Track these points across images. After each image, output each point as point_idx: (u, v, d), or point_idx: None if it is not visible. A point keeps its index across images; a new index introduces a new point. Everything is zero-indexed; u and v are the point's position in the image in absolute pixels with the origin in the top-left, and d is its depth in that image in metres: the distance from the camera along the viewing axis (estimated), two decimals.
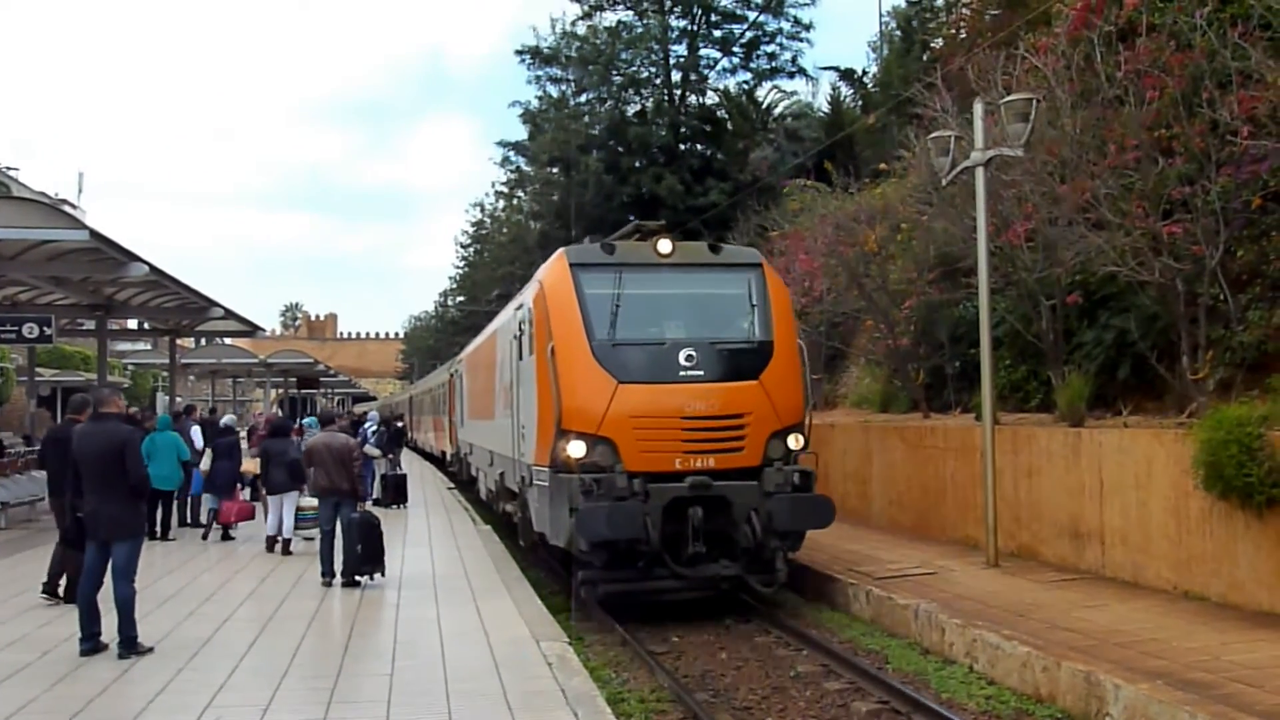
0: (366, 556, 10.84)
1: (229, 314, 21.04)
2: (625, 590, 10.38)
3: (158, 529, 14.46)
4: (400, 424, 26.62)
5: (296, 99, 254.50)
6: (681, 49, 34.46)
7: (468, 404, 20.98)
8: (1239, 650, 7.58)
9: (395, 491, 19.45)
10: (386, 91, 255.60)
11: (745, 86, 35.60)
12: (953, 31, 23.14)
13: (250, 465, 15.06)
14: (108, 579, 7.98)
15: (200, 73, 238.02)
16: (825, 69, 40.03)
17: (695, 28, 34.34)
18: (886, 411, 17.49)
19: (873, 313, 16.88)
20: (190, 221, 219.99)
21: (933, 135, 12.74)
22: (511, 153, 40.58)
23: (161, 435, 14.12)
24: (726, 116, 35.00)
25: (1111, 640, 7.98)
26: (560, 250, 11.68)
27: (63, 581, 9.93)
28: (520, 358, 12.25)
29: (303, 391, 46.18)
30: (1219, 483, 8.79)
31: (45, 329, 17.38)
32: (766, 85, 35.87)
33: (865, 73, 33.07)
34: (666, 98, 34.50)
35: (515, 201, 49.26)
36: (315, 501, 11.91)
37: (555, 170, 35.87)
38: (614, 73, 33.71)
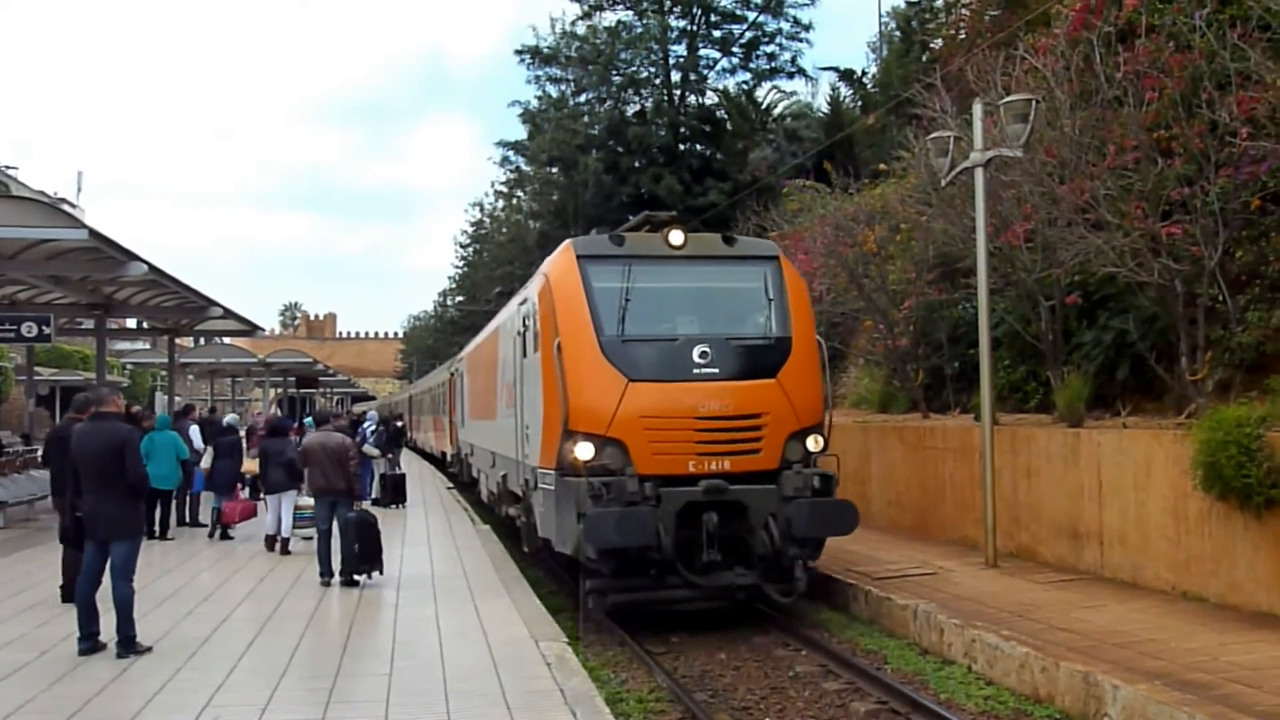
0: (364, 555, 10.83)
1: (228, 313, 21.03)
2: (635, 600, 9.90)
3: (156, 528, 14.46)
4: (400, 424, 26.55)
5: (296, 99, 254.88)
6: (681, 49, 34.48)
7: (469, 403, 20.65)
8: (1237, 651, 7.58)
9: (394, 491, 19.45)
10: (386, 91, 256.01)
11: (745, 87, 35.64)
12: (952, 32, 23.16)
13: (251, 465, 15.07)
14: (106, 578, 7.98)
15: (200, 73, 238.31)
16: (825, 69, 40.14)
17: (695, 28, 34.35)
18: (885, 412, 17.50)
19: (872, 313, 16.87)
20: (190, 221, 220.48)
21: (932, 136, 12.75)
22: (511, 152, 40.63)
23: (160, 435, 14.12)
24: (726, 117, 35.01)
25: (1110, 641, 7.98)
26: (567, 241, 11.09)
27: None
28: (524, 355, 11.78)
29: (302, 391, 46.11)
30: (1218, 483, 8.80)
31: (44, 328, 17.36)
32: (766, 85, 35.93)
33: (865, 73, 33.14)
34: (666, 98, 34.50)
35: (515, 201, 49.30)
36: (313, 501, 11.91)
37: (555, 170, 35.89)
38: (613, 73, 33.72)
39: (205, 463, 15.18)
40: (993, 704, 7.72)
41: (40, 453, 21.71)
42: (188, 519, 16.10)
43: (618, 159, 32.86)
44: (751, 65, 34.99)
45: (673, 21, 34.14)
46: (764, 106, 36.35)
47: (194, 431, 16.25)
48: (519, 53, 35.77)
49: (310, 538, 12.44)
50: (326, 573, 11.09)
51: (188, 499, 16.13)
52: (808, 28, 34.16)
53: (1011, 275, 13.11)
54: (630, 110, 34.41)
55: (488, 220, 58.45)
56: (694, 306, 10.62)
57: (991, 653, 8.28)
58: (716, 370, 9.92)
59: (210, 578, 11.71)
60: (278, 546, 13.43)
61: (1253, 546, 8.80)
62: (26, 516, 17.48)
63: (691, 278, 10.79)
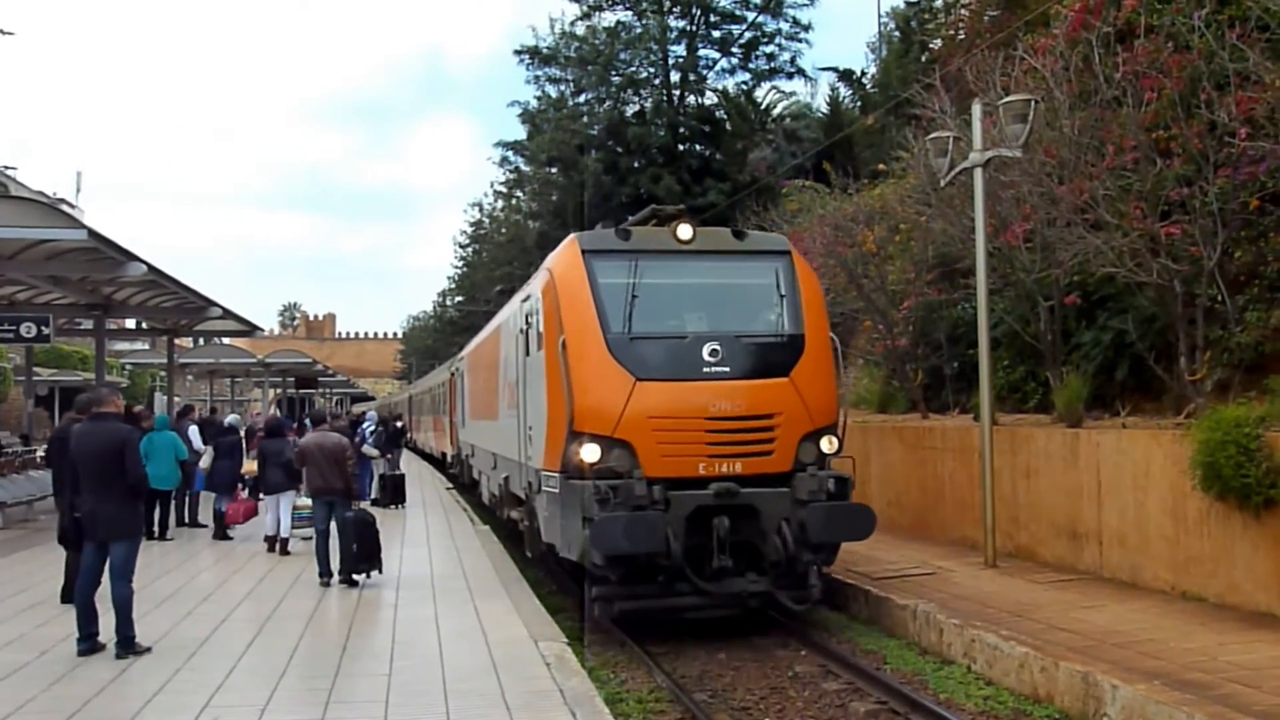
0: (363, 555, 10.83)
1: (227, 314, 21.02)
2: (643, 608, 9.54)
3: (155, 529, 14.46)
4: (399, 424, 26.52)
5: (296, 99, 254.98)
6: (680, 49, 34.49)
7: (469, 403, 20.41)
8: (1236, 651, 7.59)
9: (393, 492, 19.45)
10: (386, 91, 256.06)
11: (744, 87, 35.65)
12: (951, 32, 23.17)
13: (251, 466, 15.08)
14: (105, 579, 7.98)
15: (200, 73, 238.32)
16: (824, 70, 40.19)
17: (694, 28, 34.36)
18: (885, 412, 17.50)
19: (871, 313, 16.88)
20: (189, 221, 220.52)
21: (931, 136, 12.76)
22: (510, 153, 40.63)
23: (159, 435, 14.12)
24: (725, 117, 35.02)
25: (1109, 641, 7.98)
26: (571, 236, 10.73)
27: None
28: (527, 353, 11.42)
29: (301, 391, 46.13)
30: (1217, 483, 8.80)
31: (43, 328, 17.35)
32: (765, 86, 35.94)
33: (864, 73, 33.16)
34: (665, 98, 34.51)
35: (514, 201, 49.29)
36: (311, 501, 11.92)
37: (554, 170, 35.90)
38: (613, 73, 33.72)
39: (205, 463, 15.19)
40: (992, 704, 7.73)
41: (40, 454, 21.76)
42: (187, 519, 16.10)
43: (617, 159, 32.87)
44: (751, 65, 35.01)
45: (672, 22, 34.15)
46: (763, 107, 36.36)
47: (193, 432, 16.25)
48: (518, 53, 35.80)
49: (309, 538, 12.44)
50: (325, 573, 11.09)
51: (186, 499, 16.13)
52: (807, 28, 34.20)
53: (1010, 275, 13.11)
54: (629, 110, 34.42)
55: (487, 220, 58.46)
56: (703, 303, 10.27)
57: (991, 653, 8.28)
58: (727, 369, 9.59)
59: (209, 578, 11.71)
60: (277, 547, 13.44)
61: (1251, 546, 8.81)
62: (25, 517, 17.47)
63: (701, 273, 10.44)
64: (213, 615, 9.46)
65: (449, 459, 27.23)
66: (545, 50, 35.25)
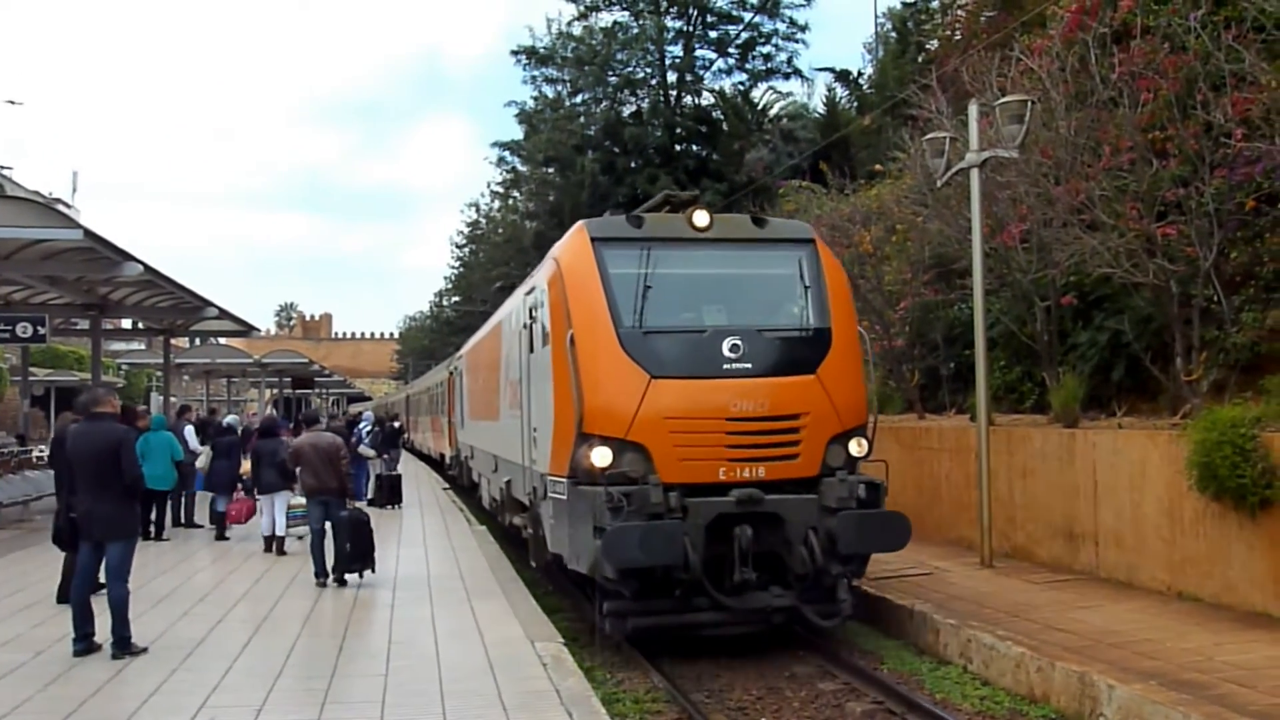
0: (356, 554, 10.82)
1: (223, 314, 20.98)
2: (659, 625, 8.89)
3: (151, 529, 14.44)
4: (397, 424, 26.46)
5: (293, 99, 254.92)
6: (677, 50, 34.46)
7: (469, 403, 19.94)
8: (1232, 651, 7.60)
9: (390, 492, 19.43)
10: (383, 92, 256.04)
11: (741, 87, 35.62)
12: (948, 33, 23.20)
13: (246, 466, 15.07)
14: (101, 579, 7.97)
15: (197, 73, 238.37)
16: (820, 70, 40.09)
17: (691, 28, 34.33)
18: (881, 412, 17.41)
19: (868, 314, 16.86)
20: (186, 221, 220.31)
21: (928, 137, 12.77)
22: (507, 153, 40.57)
23: (156, 435, 14.09)
24: (722, 117, 35.01)
25: (1105, 641, 7.99)
26: (580, 223, 9.95)
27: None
28: (531, 350, 10.71)
29: (297, 392, 46.08)
30: (1213, 484, 8.82)
31: (39, 328, 17.32)
32: (762, 86, 35.91)
33: (860, 74, 33.19)
34: (662, 98, 34.50)
35: (511, 202, 49.30)
36: (304, 500, 11.91)
37: (551, 170, 35.87)
38: (609, 73, 33.70)
39: (202, 463, 15.17)
40: (988, 704, 7.74)
41: (37, 454, 21.73)
42: (183, 520, 16.08)
43: (614, 159, 32.86)
44: (747, 66, 34.98)
45: (669, 22, 34.13)
46: (760, 107, 36.35)
47: (189, 432, 16.23)
48: (515, 53, 35.73)
49: (303, 536, 12.43)
50: (322, 573, 11.08)
51: (183, 500, 16.11)
52: (804, 29, 34.16)
53: (1007, 276, 13.14)
54: (626, 111, 34.40)
55: (484, 221, 58.44)
56: (722, 294, 9.58)
57: (987, 653, 8.29)
58: (749, 365, 8.87)
59: (206, 578, 11.69)
60: (274, 547, 13.43)
61: (1247, 547, 8.82)
62: (21, 518, 17.44)
63: (719, 263, 9.72)
64: (209, 615, 9.45)
65: (448, 460, 26.97)
66: (542, 50, 35.22)
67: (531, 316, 10.67)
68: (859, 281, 16.43)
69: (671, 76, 34.81)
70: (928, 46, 25.14)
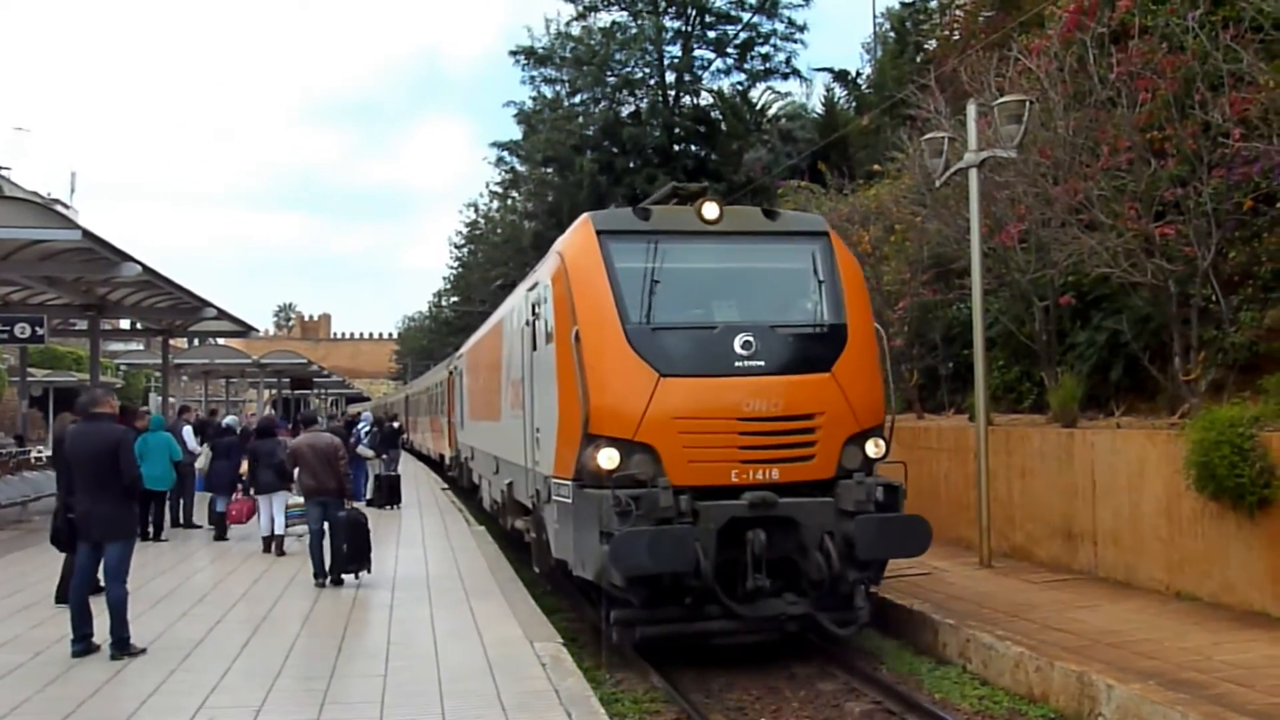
0: (352, 555, 10.82)
1: (222, 314, 20.96)
2: (669, 634, 8.56)
3: (150, 530, 14.43)
4: (396, 424, 26.42)
5: (292, 100, 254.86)
6: (676, 50, 34.45)
7: (469, 403, 19.65)
8: (1231, 650, 7.61)
9: (389, 493, 19.42)
10: (381, 92, 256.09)
11: (739, 87, 35.59)
12: (946, 33, 23.22)
13: (243, 466, 15.07)
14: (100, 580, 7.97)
15: (195, 73, 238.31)
16: (819, 70, 40.14)
17: (689, 29, 34.32)
18: None
19: None
20: (184, 222, 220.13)
21: (926, 137, 12.78)
22: (506, 153, 40.51)
23: (154, 436, 14.10)
24: (720, 117, 34.99)
25: (1104, 640, 8.00)
26: (585, 215, 9.60)
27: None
28: (534, 347, 10.34)
29: (296, 392, 46.08)
30: (1211, 483, 8.82)
31: (37, 329, 17.31)
32: (760, 86, 35.87)
33: (859, 74, 33.19)
34: (661, 98, 34.48)
35: (509, 202, 49.23)
36: (303, 500, 11.91)
37: (549, 170, 35.85)
38: (608, 73, 33.68)
39: (201, 463, 15.16)
40: (987, 704, 7.74)
41: (35, 454, 21.72)
42: (182, 520, 16.07)
43: (612, 159, 32.84)
44: (746, 66, 34.95)
45: (667, 22, 34.11)
46: (758, 107, 36.35)
47: (187, 432, 16.23)
48: (514, 53, 35.70)
49: (303, 535, 12.43)
50: (321, 574, 11.07)
51: (181, 500, 16.10)
52: (802, 29, 34.12)
53: (1006, 276, 13.14)
54: (625, 111, 34.38)
55: (482, 221, 58.35)
56: (734, 289, 9.27)
57: (986, 653, 8.29)
58: (762, 363, 8.57)
59: (205, 579, 11.68)
60: (273, 547, 13.43)
61: (1245, 546, 8.83)
62: (19, 518, 17.43)
63: (730, 256, 9.38)
64: (208, 616, 9.45)
65: (447, 461, 26.80)
66: (540, 51, 35.19)
67: (534, 313, 10.35)
68: None
69: (670, 76, 34.80)
70: (926, 46, 25.15)
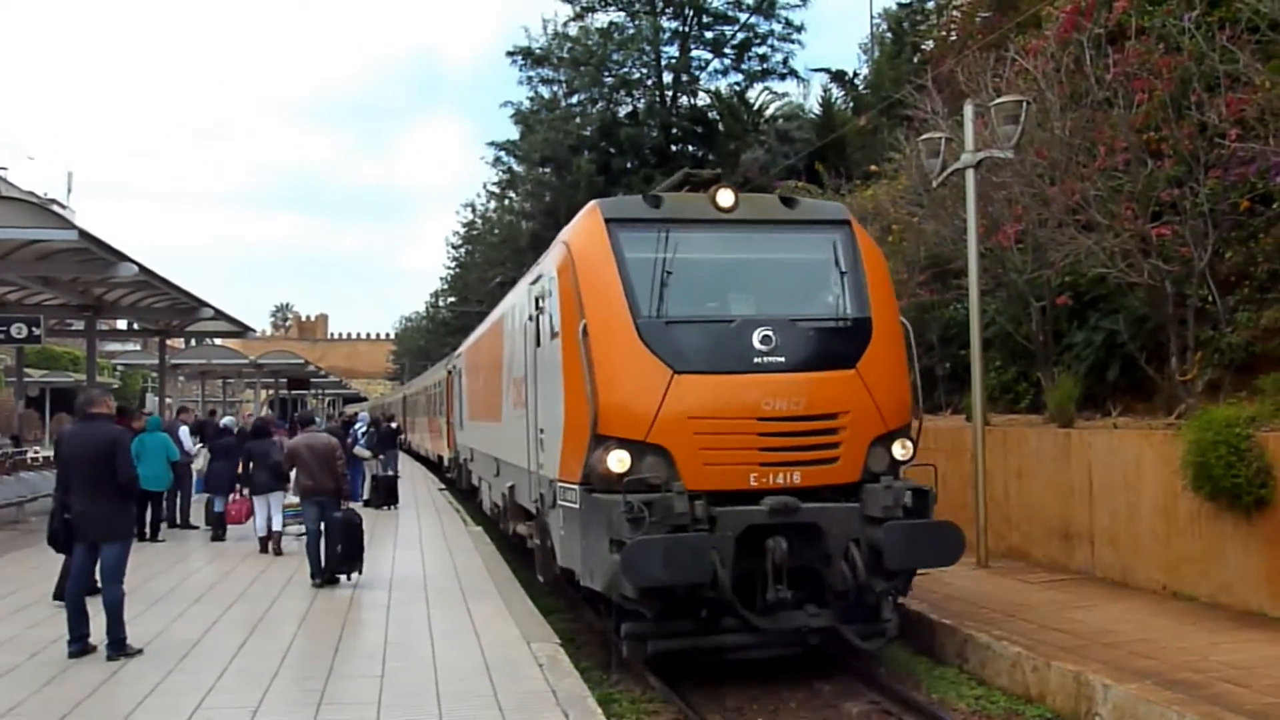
0: (345, 556, 10.82)
1: (219, 314, 20.96)
2: (683, 649, 8.10)
3: (147, 530, 14.42)
4: (393, 424, 26.37)
5: (289, 100, 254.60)
6: (673, 50, 34.48)
7: (468, 403, 19.04)
8: (1227, 650, 7.62)
9: (386, 493, 19.41)
10: (378, 92, 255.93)
11: (737, 88, 35.64)
12: (943, 34, 23.23)
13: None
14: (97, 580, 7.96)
15: (192, 73, 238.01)
16: (816, 71, 40.03)
17: (687, 29, 34.36)
18: None
19: None
20: (181, 222, 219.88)
21: (923, 137, 12.79)
22: (503, 153, 40.53)
23: (151, 436, 14.09)
24: (718, 118, 35.02)
25: (1101, 640, 8.01)
26: (592, 203, 9.04)
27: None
28: (539, 344, 9.71)
29: (293, 392, 46.04)
30: (1207, 483, 8.83)
31: (34, 329, 17.30)
32: (758, 87, 35.91)
33: (856, 74, 33.17)
34: (658, 99, 34.51)
35: (507, 202, 49.19)
36: (298, 500, 11.91)
37: (547, 171, 35.85)
38: (605, 74, 33.71)
39: (199, 464, 15.15)
40: (984, 704, 7.75)
41: (32, 455, 21.69)
42: (178, 521, 16.06)
43: (610, 160, 32.85)
44: (743, 66, 35.00)
45: (665, 23, 34.15)
46: (756, 108, 36.36)
47: (184, 433, 16.22)
48: (511, 54, 35.71)
49: (301, 535, 12.43)
50: (318, 574, 11.06)
51: (178, 500, 16.09)
52: (799, 29, 34.18)
53: (1002, 276, 13.16)
54: (622, 111, 34.41)
55: (479, 221, 58.28)
56: (751, 281, 8.75)
57: (983, 653, 8.30)
58: (782, 359, 8.01)
59: (201, 579, 11.67)
60: (270, 547, 13.43)
61: (1242, 546, 8.84)
62: (16, 519, 17.41)
63: (746, 246, 8.83)
64: (205, 616, 9.44)
65: (446, 462, 26.54)
66: (538, 51, 35.21)
67: (538, 307, 9.73)
68: None
69: (667, 77, 34.83)
70: (923, 47, 25.17)
